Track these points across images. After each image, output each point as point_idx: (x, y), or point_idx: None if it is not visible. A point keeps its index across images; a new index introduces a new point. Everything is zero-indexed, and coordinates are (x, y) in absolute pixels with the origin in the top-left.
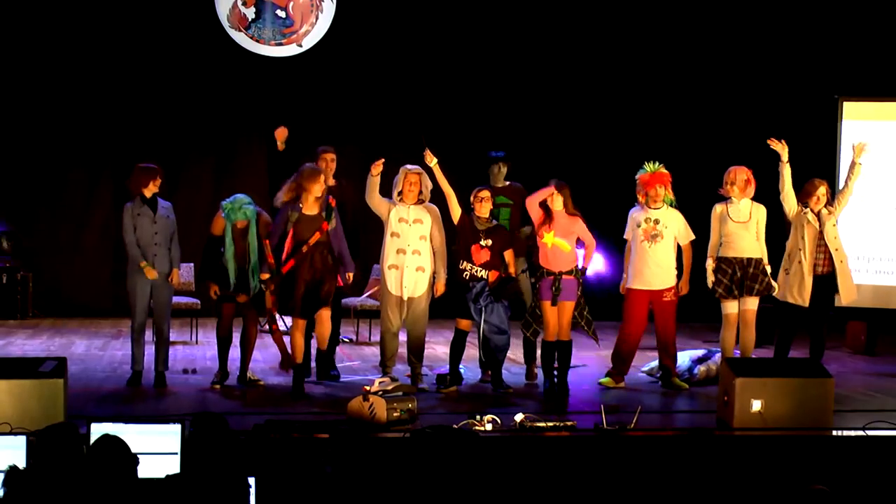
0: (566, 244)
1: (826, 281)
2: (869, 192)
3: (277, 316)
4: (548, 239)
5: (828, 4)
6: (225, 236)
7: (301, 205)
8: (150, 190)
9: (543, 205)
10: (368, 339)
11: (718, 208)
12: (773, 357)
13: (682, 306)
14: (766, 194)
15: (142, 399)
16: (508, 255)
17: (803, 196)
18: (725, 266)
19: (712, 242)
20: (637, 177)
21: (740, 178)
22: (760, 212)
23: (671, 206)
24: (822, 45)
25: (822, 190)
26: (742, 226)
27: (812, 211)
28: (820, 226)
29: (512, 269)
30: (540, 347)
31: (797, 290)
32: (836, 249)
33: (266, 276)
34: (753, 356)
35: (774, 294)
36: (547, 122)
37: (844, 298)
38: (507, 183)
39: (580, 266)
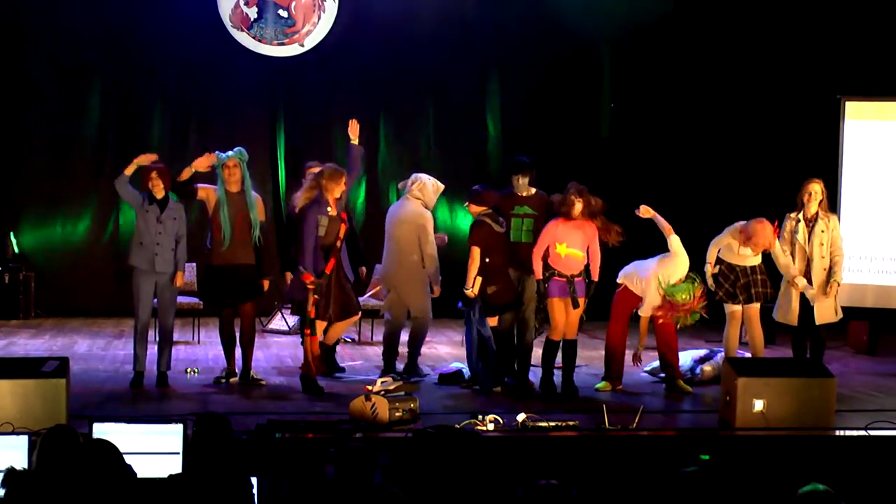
0: (579, 252)
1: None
2: (870, 192)
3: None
4: (561, 250)
5: (830, 4)
6: (219, 203)
7: (328, 207)
8: (155, 190)
9: (560, 212)
10: (371, 339)
11: (725, 240)
12: (792, 358)
13: None
14: (772, 194)
15: (144, 399)
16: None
17: (798, 199)
18: (727, 271)
19: (713, 254)
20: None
21: (763, 241)
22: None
23: None
24: (824, 45)
25: (816, 187)
26: (749, 257)
27: (804, 218)
28: (809, 235)
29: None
30: (543, 346)
31: (785, 310)
32: (824, 269)
33: (310, 276)
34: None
35: (773, 315)
36: (546, 120)
37: (818, 318)
38: (533, 191)
39: (589, 279)
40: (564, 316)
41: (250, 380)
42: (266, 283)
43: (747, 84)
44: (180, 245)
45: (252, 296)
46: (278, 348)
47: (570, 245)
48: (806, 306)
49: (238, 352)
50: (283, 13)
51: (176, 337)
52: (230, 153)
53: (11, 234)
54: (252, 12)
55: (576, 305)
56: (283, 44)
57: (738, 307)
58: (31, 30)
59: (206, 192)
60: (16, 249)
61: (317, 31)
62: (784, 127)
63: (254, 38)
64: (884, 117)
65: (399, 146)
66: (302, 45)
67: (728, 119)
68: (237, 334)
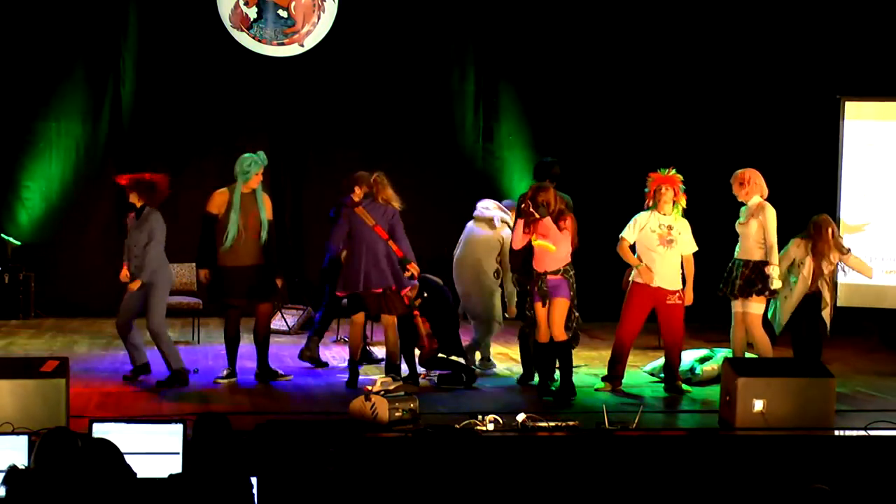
0: (550, 245)
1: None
2: (870, 192)
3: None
4: (535, 243)
5: (830, 4)
6: (231, 203)
7: None
8: (158, 200)
9: (523, 210)
10: (370, 339)
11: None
12: (792, 359)
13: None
14: (772, 194)
15: (144, 399)
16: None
17: (814, 234)
18: (729, 264)
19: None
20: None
21: (734, 179)
22: (765, 213)
23: (681, 214)
24: (824, 45)
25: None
26: (742, 226)
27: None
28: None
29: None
30: (533, 349)
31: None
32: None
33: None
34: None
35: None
36: (545, 120)
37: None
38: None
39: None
40: (542, 316)
41: (274, 374)
42: (280, 282)
43: (747, 84)
44: (147, 249)
45: (267, 295)
46: (278, 348)
47: (540, 237)
48: (808, 308)
49: (241, 351)
50: (283, 13)
51: (176, 337)
52: (261, 156)
53: (2, 234)
54: (252, 12)
55: (544, 304)
56: (282, 44)
57: (741, 308)
58: (32, 29)
59: (218, 207)
60: (16, 242)
61: (317, 31)
62: (784, 127)
63: (253, 38)
64: (884, 117)
65: (399, 147)
66: (302, 46)
67: (728, 119)
68: (240, 335)
